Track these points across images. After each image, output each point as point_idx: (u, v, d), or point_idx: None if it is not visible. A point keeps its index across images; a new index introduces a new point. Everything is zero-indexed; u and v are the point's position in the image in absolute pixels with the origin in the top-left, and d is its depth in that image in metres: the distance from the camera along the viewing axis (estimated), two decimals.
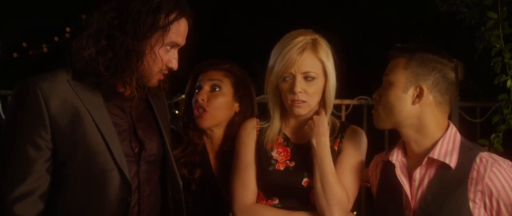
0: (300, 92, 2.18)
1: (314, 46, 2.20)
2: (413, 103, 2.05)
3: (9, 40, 10.92)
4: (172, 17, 1.93)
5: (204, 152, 2.53)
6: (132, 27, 1.88)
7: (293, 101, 2.21)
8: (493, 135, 3.22)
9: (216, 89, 2.49)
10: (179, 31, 1.97)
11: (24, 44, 11.12)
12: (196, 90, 2.51)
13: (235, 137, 2.42)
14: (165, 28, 1.92)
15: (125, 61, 1.89)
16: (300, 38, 2.19)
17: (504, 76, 3.15)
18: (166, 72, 2.01)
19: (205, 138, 2.55)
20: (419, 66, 2.05)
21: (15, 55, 11.02)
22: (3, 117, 3.95)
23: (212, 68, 2.53)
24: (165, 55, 1.96)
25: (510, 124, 3.18)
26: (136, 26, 1.88)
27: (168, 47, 1.97)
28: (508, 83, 3.15)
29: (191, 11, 2.01)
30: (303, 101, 2.21)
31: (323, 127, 2.21)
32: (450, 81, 2.07)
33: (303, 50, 2.18)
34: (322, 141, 2.19)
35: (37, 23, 11.27)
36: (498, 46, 3.12)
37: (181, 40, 1.99)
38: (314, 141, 2.20)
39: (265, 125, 2.34)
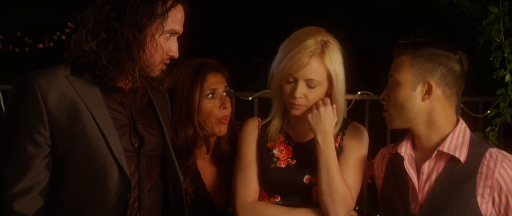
0: (300, 97, 2.16)
1: (322, 51, 2.15)
2: (423, 99, 2.05)
3: (10, 35, 10.92)
4: (169, 4, 1.93)
5: (193, 165, 2.49)
6: (131, 18, 1.88)
7: (291, 103, 2.19)
8: (488, 128, 3.22)
9: (227, 94, 2.48)
10: (176, 18, 1.97)
11: (25, 39, 11.14)
12: (210, 95, 2.42)
13: (231, 137, 2.42)
14: (163, 15, 1.92)
15: (127, 52, 1.89)
16: (311, 42, 2.14)
17: (503, 70, 3.14)
18: (168, 61, 2.01)
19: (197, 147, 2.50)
20: (425, 62, 2.04)
21: (16, 50, 11.03)
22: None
23: (220, 72, 2.49)
24: (165, 43, 1.96)
25: (507, 118, 3.17)
26: (135, 16, 1.88)
27: (168, 35, 1.97)
28: (507, 78, 3.15)
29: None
30: (302, 105, 2.19)
31: (330, 122, 2.18)
32: (457, 74, 2.07)
33: (311, 55, 2.13)
34: (328, 139, 2.16)
35: (38, 18, 11.27)
36: (498, 40, 3.11)
37: (179, 27, 1.99)
38: (319, 138, 2.17)
39: (267, 123, 2.33)
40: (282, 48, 2.21)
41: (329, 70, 2.17)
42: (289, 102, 2.20)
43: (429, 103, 2.05)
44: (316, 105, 2.19)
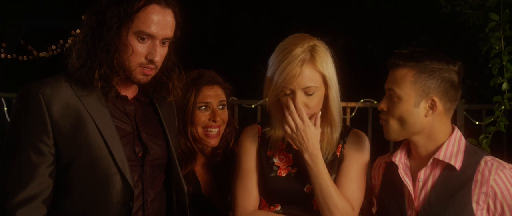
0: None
1: (312, 56, 2.11)
2: (426, 115, 2.04)
3: (13, 43, 10.94)
4: (139, 4, 1.90)
5: (192, 171, 2.51)
6: (102, 18, 1.89)
7: None
8: (482, 136, 3.23)
9: (223, 107, 2.49)
10: (149, 20, 1.90)
11: (29, 47, 11.16)
12: (203, 107, 2.45)
13: (227, 146, 2.42)
14: (131, 16, 1.89)
15: (93, 51, 1.89)
16: (298, 50, 2.10)
17: (500, 78, 3.15)
18: (151, 66, 1.95)
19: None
20: (428, 79, 2.01)
21: (20, 58, 11.05)
22: (8, 120, 3.97)
23: (216, 85, 2.49)
24: (140, 46, 1.92)
25: (501, 127, 3.18)
26: (104, 16, 1.89)
27: (142, 38, 1.92)
28: (504, 86, 3.15)
29: (171, 1, 1.96)
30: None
31: (314, 138, 2.13)
32: (456, 86, 2.06)
33: (302, 64, 2.09)
34: (316, 155, 2.13)
35: (41, 25, 11.29)
36: (497, 48, 3.12)
37: (153, 30, 1.91)
38: (307, 157, 2.13)
39: (267, 131, 2.30)
40: (271, 62, 2.17)
41: (324, 74, 2.13)
42: None
43: (431, 118, 2.05)
44: (294, 122, 2.13)
